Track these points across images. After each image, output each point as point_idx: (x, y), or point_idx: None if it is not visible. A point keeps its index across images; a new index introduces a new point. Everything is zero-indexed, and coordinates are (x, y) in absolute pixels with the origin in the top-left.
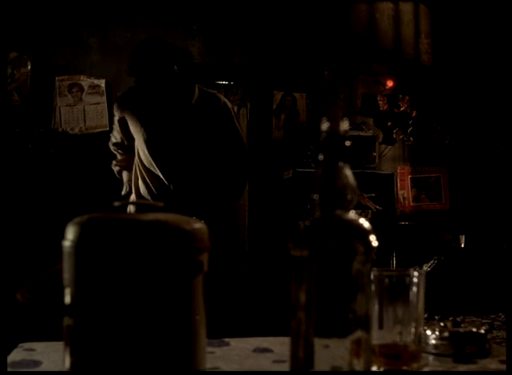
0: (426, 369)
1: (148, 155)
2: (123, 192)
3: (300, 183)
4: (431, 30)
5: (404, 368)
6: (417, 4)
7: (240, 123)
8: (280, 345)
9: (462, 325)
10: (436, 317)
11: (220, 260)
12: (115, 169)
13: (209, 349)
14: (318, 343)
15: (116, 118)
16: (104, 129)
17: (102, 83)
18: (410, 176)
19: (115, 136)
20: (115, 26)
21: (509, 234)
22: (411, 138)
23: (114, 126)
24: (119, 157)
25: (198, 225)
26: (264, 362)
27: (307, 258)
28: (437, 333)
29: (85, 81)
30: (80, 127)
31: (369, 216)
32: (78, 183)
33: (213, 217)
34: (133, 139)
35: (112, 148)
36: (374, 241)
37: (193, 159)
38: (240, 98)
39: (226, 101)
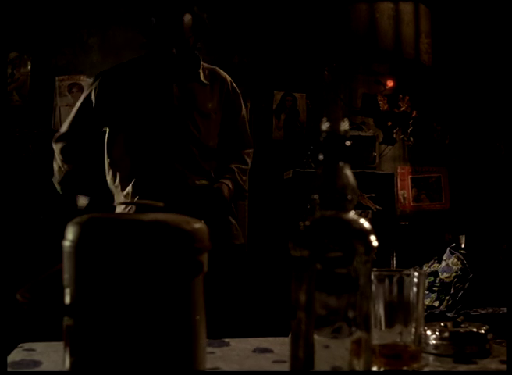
0: (426, 369)
1: (153, 145)
2: (84, 203)
3: (300, 183)
4: (431, 30)
5: (404, 368)
6: (417, 4)
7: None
8: (280, 345)
9: (462, 325)
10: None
11: (220, 260)
12: (58, 178)
13: (209, 349)
14: (318, 343)
15: (89, 96)
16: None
17: None
18: (410, 176)
19: (76, 123)
20: (115, 26)
21: (509, 234)
22: (411, 138)
23: (76, 109)
24: (65, 160)
25: (198, 225)
26: (265, 363)
27: (307, 258)
28: (437, 333)
29: (85, 81)
30: None
31: (369, 216)
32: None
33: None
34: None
35: (58, 146)
36: (374, 241)
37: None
38: None
39: (231, 80)
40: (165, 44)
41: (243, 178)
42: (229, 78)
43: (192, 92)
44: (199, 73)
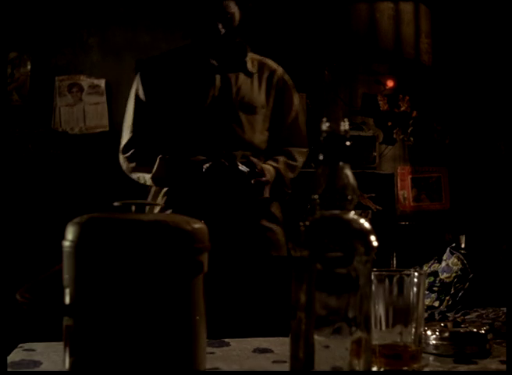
0: (426, 369)
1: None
2: None
3: (300, 183)
4: (431, 30)
5: (405, 368)
6: (417, 4)
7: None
8: (280, 346)
9: (462, 325)
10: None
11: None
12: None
13: (209, 349)
14: (318, 343)
15: (136, 92)
16: (104, 129)
17: (102, 83)
18: (410, 176)
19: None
20: (115, 26)
21: (509, 234)
22: (411, 138)
23: (131, 112)
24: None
25: (198, 225)
26: (265, 363)
27: (307, 258)
28: (437, 333)
29: (85, 81)
30: (80, 127)
31: (369, 216)
32: (78, 183)
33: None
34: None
35: (127, 157)
36: (374, 241)
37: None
38: None
39: (283, 71)
40: (209, 21)
41: (289, 174)
42: (280, 69)
43: (236, 83)
44: (245, 61)
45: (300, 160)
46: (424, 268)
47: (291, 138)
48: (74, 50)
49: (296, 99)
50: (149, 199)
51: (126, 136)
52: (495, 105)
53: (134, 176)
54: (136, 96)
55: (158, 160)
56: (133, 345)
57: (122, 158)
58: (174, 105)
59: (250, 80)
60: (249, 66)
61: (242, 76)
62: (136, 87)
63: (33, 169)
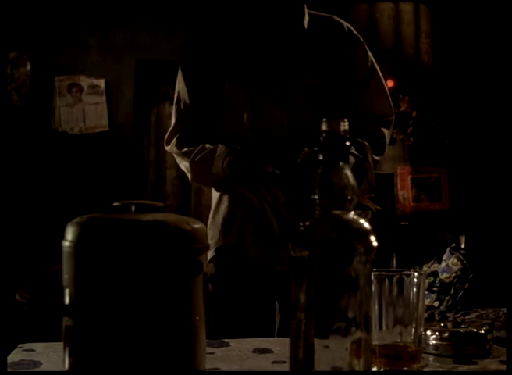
0: (426, 369)
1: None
2: None
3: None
4: (431, 30)
5: (404, 369)
6: (417, 4)
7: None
8: (280, 346)
9: (462, 325)
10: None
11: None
12: (192, 176)
13: (209, 350)
14: (318, 343)
15: (179, 82)
16: (104, 129)
17: (102, 83)
18: (410, 177)
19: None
20: (115, 26)
21: (509, 235)
22: (411, 138)
23: (175, 101)
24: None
25: (198, 225)
26: (264, 363)
27: (306, 258)
28: (437, 333)
29: (85, 81)
30: (80, 127)
31: (369, 216)
32: (78, 183)
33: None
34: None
35: (180, 150)
36: (374, 241)
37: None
38: None
39: (351, 27)
40: None
41: (376, 157)
42: (345, 24)
43: (293, 49)
44: (303, 24)
45: (387, 133)
46: (424, 268)
47: (370, 104)
48: (74, 50)
49: (370, 56)
50: (213, 202)
51: (172, 124)
52: (495, 105)
53: (182, 166)
54: (178, 97)
55: (189, 164)
56: (133, 345)
57: (168, 147)
58: (225, 100)
59: (310, 44)
60: (306, 26)
61: (300, 40)
62: (178, 83)
63: (33, 169)
